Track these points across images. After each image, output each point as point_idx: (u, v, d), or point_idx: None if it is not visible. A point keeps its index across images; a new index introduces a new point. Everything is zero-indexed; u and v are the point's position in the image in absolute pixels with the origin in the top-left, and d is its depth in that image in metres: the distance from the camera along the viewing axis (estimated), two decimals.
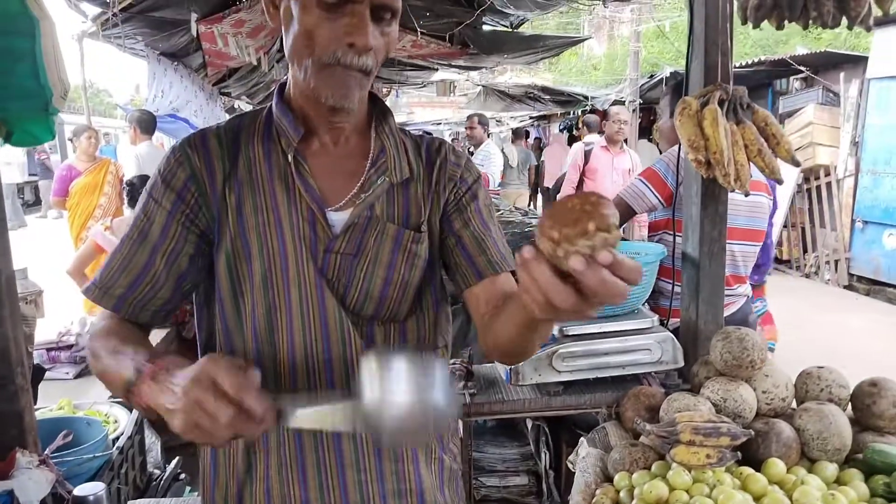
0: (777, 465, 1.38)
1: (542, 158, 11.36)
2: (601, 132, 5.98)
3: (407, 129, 1.18)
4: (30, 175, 15.39)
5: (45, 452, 1.71)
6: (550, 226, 0.65)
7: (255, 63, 6.23)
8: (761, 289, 3.16)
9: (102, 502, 1.71)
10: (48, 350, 3.50)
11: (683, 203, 1.97)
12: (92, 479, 1.88)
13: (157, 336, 4.08)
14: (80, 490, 1.68)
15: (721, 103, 1.69)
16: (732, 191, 1.70)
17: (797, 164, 1.72)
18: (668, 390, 1.74)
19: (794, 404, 1.63)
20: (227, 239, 1.03)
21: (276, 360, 1.04)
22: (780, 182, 1.73)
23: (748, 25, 2.69)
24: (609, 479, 1.48)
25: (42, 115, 1.58)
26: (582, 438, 1.66)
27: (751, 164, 1.72)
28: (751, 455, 1.43)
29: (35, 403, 2.40)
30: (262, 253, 1.03)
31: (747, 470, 1.36)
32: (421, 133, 1.19)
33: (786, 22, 1.55)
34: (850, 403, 1.59)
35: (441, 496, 1.15)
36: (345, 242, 1.04)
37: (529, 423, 2.14)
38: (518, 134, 11.44)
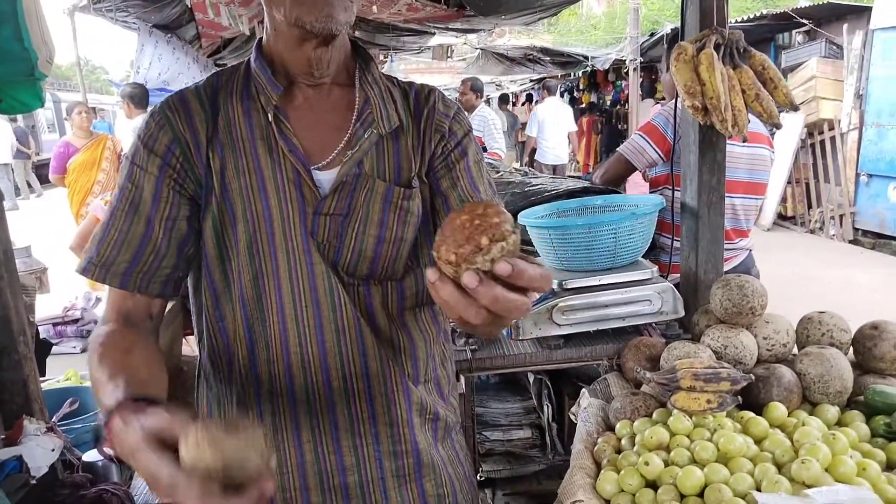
0: (778, 409, 1.38)
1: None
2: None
3: (395, 77, 1.14)
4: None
5: (53, 420, 1.73)
6: (446, 249, 0.63)
7: (247, 33, 6.13)
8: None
9: (111, 467, 1.73)
10: (54, 325, 3.52)
11: (681, 152, 1.95)
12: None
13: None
14: (90, 456, 1.71)
15: (717, 48, 1.65)
16: (730, 136, 1.68)
17: (795, 108, 1.69)
18: (669, 340, 1.74)
19: (795, 350, 1.63)
20: (213, 203, 1.01)
21: (266, 325, 1.03)
22: (778, 127, 1.70)
23: None
24: (610, 427, 1.48)
25: (29, 81, 1.56)
26: (583, 390, 1.66)
27: (749, 111, 1.70)
28: (752, 400, 1.43)
29: (43, 376, 2.43)
30: (245, 217, 1.00)
31: (748, 414, 1.36)
32: (410, 81, 1.15)
33: None
34: (851, 347, 1.59)
35: (437, 453, 1.16)
36: (334, 203, 1.01)
37: (531, 377, 2.15)
38: (503, 99, 11.59)
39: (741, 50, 1.67)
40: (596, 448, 1.39)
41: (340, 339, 1.04)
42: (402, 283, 1.09)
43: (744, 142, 1.69)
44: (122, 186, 1.02)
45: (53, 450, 1.60)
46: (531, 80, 15.79)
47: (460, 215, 0.64)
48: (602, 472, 1.27)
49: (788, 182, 8.41)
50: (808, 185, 8.36)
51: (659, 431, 1.31)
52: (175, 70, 6.48)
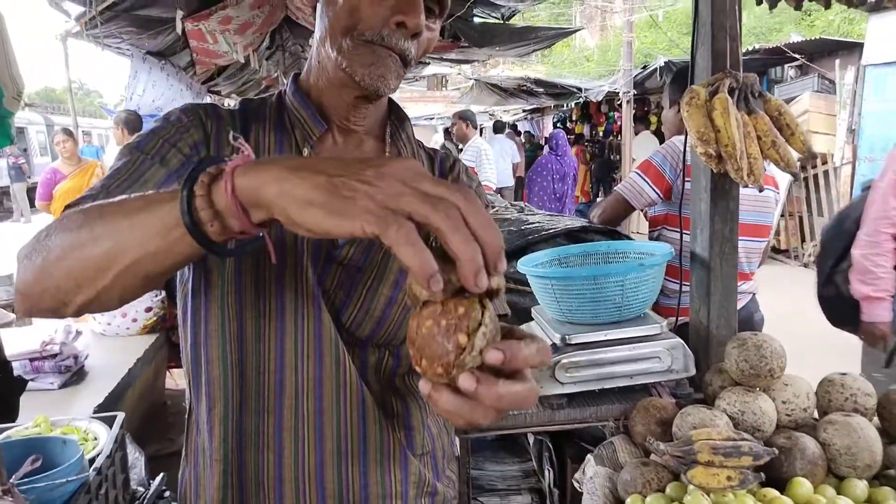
0: (803, 486, 1.27)
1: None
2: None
3: (421, 142, 1.12)
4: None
5: (10, 481, 1.59)
6: (428, 363, 0.54)
7: (242, 61, 6.10)
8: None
9: None
10: (31, 360, 3.36)
11: (691, 199, 1.86)
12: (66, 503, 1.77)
13: (145, 342, 3.96)
14: None
15: (731, 92, 1.57)
16: (746, 186, 1.59)
17: (814, 156, 1.61)
18: (680, 401, 1.63)
19: (815, 414, 1.53)
20: None
21: (261, 370, 0.93)
22: (796, 177, 1.62)
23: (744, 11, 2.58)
24: (619, 500, 1.37)
25: None
26: (588, 456, 1.54)
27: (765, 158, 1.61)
28: (773, 473, 1.32)
29: (16, 417, 2.28)
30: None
31: (771, 492, 1.25)
32: (434, 148, 1.14)
33: (804, 1, 1.43)
34: (876, 413, 1.49)
35: None
36: (351, 253, 0.93)
37: (531, 438, 2.03)
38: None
39: (756, 94, 1.59)
40: None
41: (340, 396, 0.95)
42: (399, 350, 1.01)
43: (760, 191, 1.60)
44: (128, 159, 0.87)
45: None
46: (524, 111, 15.87)
47: (423, 322, 0.55)
48: None
49: (782, 215, 8.39)
50: (801, 218, 8.34)
51: None
52: (168, 96, 6.43)
